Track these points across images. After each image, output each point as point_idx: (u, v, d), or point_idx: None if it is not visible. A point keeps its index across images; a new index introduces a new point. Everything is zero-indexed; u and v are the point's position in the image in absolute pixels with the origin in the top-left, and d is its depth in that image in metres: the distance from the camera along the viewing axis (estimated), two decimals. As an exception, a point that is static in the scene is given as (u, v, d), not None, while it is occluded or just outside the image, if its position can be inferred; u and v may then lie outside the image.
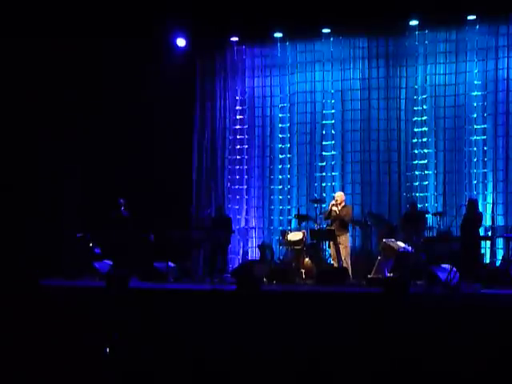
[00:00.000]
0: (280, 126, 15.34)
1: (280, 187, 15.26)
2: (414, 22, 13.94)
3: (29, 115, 14.15)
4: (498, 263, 13.08)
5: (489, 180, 13.77)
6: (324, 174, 14.90)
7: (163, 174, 14.89)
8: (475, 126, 13.93)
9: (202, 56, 15.73)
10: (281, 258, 14.23)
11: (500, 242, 13.43)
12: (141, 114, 14.88)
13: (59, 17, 13.71)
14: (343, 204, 13.30)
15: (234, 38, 15.17)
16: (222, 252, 13.76)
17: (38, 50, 13.84)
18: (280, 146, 15.31)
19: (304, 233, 13.50)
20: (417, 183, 14.23)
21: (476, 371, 5.85)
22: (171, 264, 13.30)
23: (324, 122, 14.99)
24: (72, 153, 14.67)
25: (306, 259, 13.26)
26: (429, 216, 13.43)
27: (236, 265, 14.56)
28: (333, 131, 14.91)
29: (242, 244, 15.25)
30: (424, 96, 14.32)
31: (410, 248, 12.38)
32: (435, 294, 10.71)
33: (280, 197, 15.25)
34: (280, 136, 15.33)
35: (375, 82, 14.62)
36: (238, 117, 15.65)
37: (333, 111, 14.93)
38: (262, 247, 14.41)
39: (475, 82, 13.96)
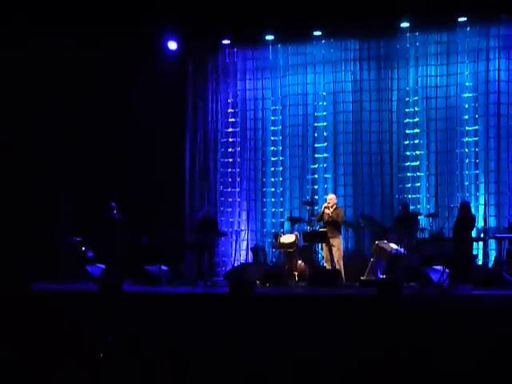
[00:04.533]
0: (272, 128, 15.33)
1: (272, 190, 15.23)
2: (405, 24, 13.93)
3: (21, 117, 14.11)
4: (490, 264, 13.11)
5: (481, 181, 13.77)
6: (316, 176, 14.89)
7: (156, 177, 14.86)
8: (467, 128, 13.94)
9: (193, 59, 15.69)
10: (274, 260, 14.24)
11: (492, 243, 13.45)
12: (133, 116, 14.83)
13: (53, 16, 13.67)
14: (335, 206, 13.31)
15: (226, 41, 15.14)
16: (208, 255, 13.67)
17: (32, 50, 13.83)
18: (272, 148, 15.29)
19: (297, 235, 13.50)
20: (409, 185, 14.23)
21: (468, 371, 5.87)
22: (164, 267, 13.26)
23: (316, 124, 14.98)
24: (64, 156, 14.63)
25: (299, 262, 13.27)
26: (421, 217, 13.44)
27: (229, 268, 14.53)
28: (325, 133, 14.91)
29: (234, 246, 15.21)
30: (415, 98, 14.32)
31: (402, 250, 12.40)
32: (428, 296, 10.74)
33: (272, 199, 15.23)
34: (272, 138, 15.31)
35: (367, 84, 14.62)
36: (230, 119, 15.63)
37: (324, 113, 14.93)
38: (254, 250, 14.41)
39: (466, 84, 13.98)
